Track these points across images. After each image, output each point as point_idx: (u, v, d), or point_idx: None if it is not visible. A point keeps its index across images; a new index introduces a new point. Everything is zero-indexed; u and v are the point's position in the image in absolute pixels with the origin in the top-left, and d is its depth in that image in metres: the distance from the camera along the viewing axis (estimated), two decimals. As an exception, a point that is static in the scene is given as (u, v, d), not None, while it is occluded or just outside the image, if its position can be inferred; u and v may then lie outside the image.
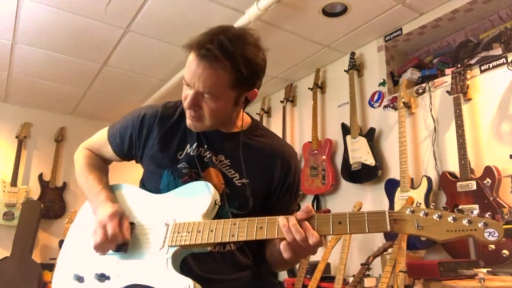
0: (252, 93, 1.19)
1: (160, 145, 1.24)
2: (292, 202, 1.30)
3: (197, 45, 1.08)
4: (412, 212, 0.90)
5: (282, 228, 0.97)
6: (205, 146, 1.23)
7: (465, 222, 0.86)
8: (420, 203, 0.94)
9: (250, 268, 1.24)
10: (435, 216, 0.88)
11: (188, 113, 1.18)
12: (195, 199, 1.14)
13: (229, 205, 1.19)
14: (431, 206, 0.90)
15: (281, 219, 0.99)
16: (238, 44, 1.09)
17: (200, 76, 1.08)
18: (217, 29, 1.11)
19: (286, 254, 0.99)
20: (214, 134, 1.25)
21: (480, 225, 0.84)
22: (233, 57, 1.07)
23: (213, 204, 1.12)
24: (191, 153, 1.23)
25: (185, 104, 1.15)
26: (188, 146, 1.24)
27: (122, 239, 1.13)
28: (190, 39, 1.11)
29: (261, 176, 1.23)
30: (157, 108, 1.29)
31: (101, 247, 1.13)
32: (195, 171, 1.21)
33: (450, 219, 0.87)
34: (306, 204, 1.04)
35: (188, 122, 1.20)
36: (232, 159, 1.23)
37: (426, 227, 0.88)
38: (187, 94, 1.14)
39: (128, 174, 2.22)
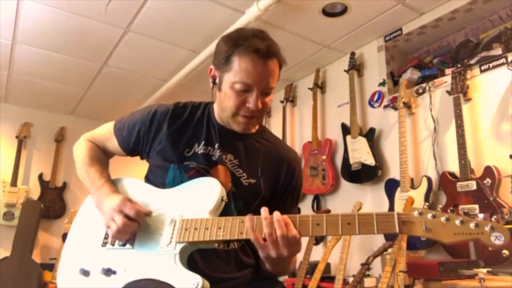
0: None
1: (169, 141, 1.25)
2: (293, 206, 1.32)
3: (256, 48, 1.13)
4: (420, 214, 0.90)
5: (263, 220, 1.00)
6: (216, 145, 1.25)
7: (472, 225, 0.86)
8: (429, 205, 0.94)
9: (252, 267, 1.25)
10: (442, 219, 0.88)
11: (249, 116, 1.19)
12: (201, 195, 1.14)
13: (234, 204, 1.20)
14: (438, 209, 0.90)
15: (263, 211, 1.02)
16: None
17: (268, 72, 1.15)
18: (249, 31, 1.18)
19: (261, 253, 1.02)
20: (226, 133, 1.26)
21: (486, 228, 0.85)
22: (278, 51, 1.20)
23: (220, 200, 1.12)
24: (199, 152, 1.24)
25: (253, 106, 1.16)
26: (196, 145, 1.25)
27: (143, 217, 1.14)
28: (232, 43, 1.16)
29: (268, 178, 1.25)
30: (168, 106, 1.31)
31: (123, 232, 1.11)
32: (203, 167, 1.22)
33: (457, 222, 0.88)
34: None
35: (243, 126, 1.22)
36: (241, 159, 1.25)
37: (434, 229, 0.89)
38: (244, 97, 1.16)
39: (131, 171, 2.22)
